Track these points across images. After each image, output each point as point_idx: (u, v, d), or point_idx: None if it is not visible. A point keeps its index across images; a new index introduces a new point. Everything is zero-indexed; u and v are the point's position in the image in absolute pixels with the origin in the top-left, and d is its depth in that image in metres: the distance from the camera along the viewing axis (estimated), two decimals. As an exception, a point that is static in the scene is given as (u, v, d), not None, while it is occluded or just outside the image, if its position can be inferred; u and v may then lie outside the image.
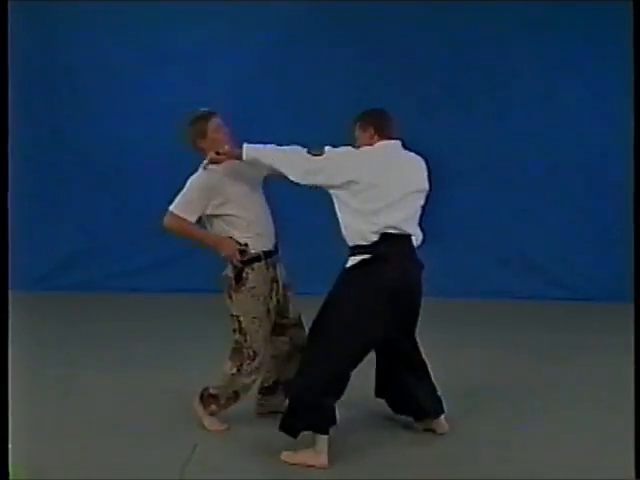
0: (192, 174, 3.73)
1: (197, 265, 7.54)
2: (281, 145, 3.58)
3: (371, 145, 3.60)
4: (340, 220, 3.55)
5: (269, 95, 7.37)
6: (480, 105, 7.42)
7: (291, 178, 3.51)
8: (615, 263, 7.09)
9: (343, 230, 3.56)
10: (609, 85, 7.24)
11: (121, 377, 4.76)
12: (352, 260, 3.52)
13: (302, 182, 3.51)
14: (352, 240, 3.51)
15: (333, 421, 3.48)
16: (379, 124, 3.64)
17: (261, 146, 3.60)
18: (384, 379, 3.91)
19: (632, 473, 2.86)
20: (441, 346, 5.47)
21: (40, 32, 7.47)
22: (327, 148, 3.51)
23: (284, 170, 3.51)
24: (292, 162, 3.51)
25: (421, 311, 3.71)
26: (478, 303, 7.17)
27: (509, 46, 7.37)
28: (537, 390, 4.63)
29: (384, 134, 3.63)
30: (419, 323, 3.77)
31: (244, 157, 3.58)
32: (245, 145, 3.60)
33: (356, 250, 3.50)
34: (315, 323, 3.60)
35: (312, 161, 3.47)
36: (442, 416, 3.87)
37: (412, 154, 3.71)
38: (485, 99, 7.43)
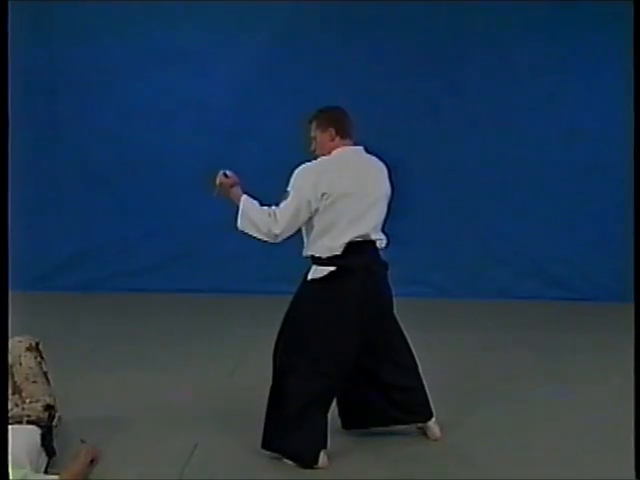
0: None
1: (197, 265, 7.58)
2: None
3: (332, 147, 3.47)
4: (306, 237, 3.46)
5: (269, 95, 7.37)
6: (480, 105, 7.42)
7: (277, 231, 3.35)
8: (615, 263, 7.09)
9: (308, 245, 3.46)
10: (609, 85, 7.23)
11: (121, 377, 4.75)
12: (315, 270, 3.42)
13: (292, 229, 3.39)
14: (317, 253, 3.41)
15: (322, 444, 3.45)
16: (339, 124, 3.48)
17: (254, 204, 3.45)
18: (350, 404, 3.74)
19: (632, 473, 2.85)
20: (440, 346, 5.48)
21: (40, 32, 7.46)
22: (291, 184, 3.38)
23: (270, 226, 3.35)
24: (277, 217, 3.35)
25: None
26: (478, 303, 7.17)
27: (509, 46, 7.37)
28: (537, 390, 4.63)
29: (345, 134, 3.49)
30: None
31: (240, 207, 3.44)
32: (244, 197, 3.46)
33: (320, 260, 3.41)
34: (284, 346, 3.50)
35: (288, 207, 3.34)
36: (432, 420, 3.77)
37: (373, 158, 3.58)
38: (485, 99, 7.42)
